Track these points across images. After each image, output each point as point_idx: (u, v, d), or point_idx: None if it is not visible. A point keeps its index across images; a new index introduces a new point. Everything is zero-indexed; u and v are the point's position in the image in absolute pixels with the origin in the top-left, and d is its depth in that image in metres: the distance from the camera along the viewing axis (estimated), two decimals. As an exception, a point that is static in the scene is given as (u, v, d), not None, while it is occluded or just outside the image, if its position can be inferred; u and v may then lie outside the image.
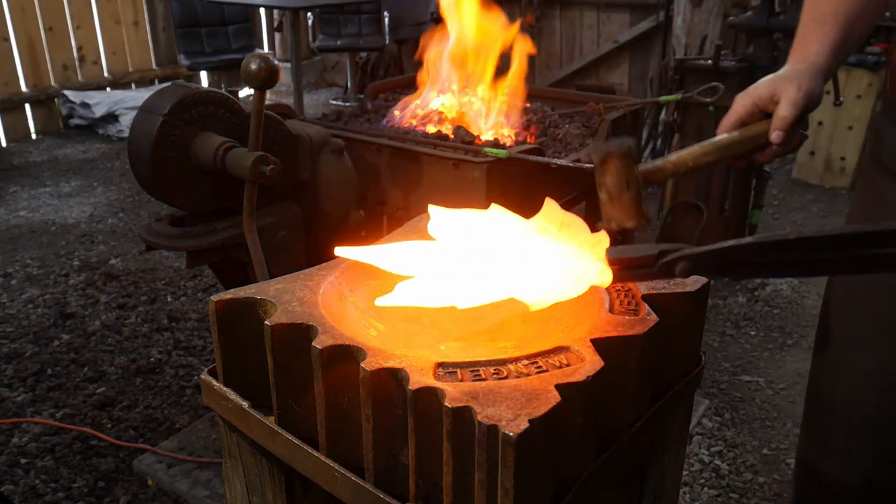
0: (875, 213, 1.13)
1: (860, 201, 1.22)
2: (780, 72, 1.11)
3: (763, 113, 1.10)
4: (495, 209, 0.89)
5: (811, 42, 1.11)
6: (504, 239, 0.86)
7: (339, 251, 0.88)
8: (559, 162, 1.89)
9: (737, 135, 1.12)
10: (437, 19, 2.34)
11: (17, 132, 5.53)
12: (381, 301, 0.80)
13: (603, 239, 0.79)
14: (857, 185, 1.27)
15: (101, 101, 5.62)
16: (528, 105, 2.53)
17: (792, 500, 1.36)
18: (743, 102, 1.11)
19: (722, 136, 1.12)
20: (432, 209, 0.91)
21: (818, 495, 1.28)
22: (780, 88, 1.07)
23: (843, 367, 1.19)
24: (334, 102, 6.37)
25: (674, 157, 1.12)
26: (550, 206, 0.86)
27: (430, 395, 0.69)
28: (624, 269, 0.79)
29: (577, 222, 0.83)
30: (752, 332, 2.98)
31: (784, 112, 1.06)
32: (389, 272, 0.86)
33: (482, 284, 0.81)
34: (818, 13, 1.11)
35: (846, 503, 1.23)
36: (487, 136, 2.17)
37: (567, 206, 2.48)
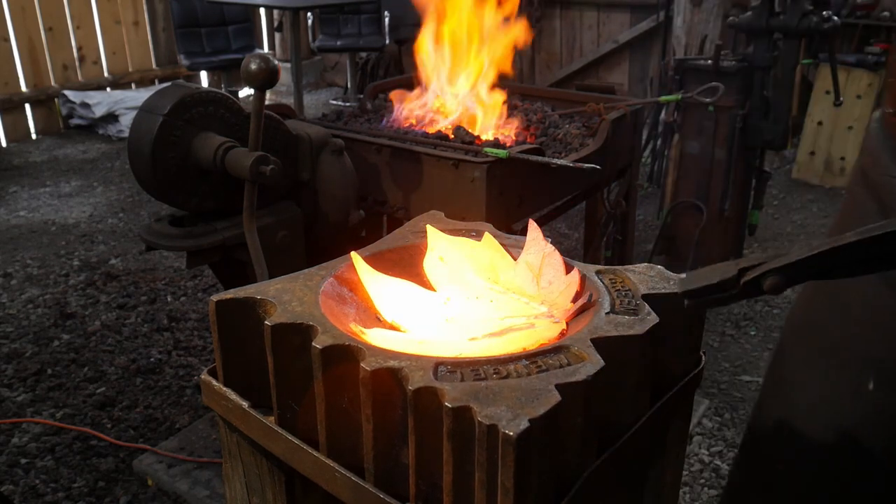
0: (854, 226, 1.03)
1: (843, 213, 1.11)
2: None
3: None
4: (488, 241, 0.95)
5: None
6: (486, 286, 0.93)
7: (357, 262, 0.93)
8: (559, 162, 1.89)
9: None
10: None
11: (17, 132, 5.53)
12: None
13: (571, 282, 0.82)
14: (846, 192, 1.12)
15: (101, 101, 5.62)
16: (528, 105, 2.53)
17: None
18: None
19: None
20: (431, 231, 0.96)
21: None
22: None
23: (790, 393, 1.11)
24: (334, 102, 6.37)
25: None
26: (533, 235, 0.91)
27: (430, 395, 0.69)
28: (701, 297, 0.74)
29: (554, 259, 0.88)
30: (752, 332, 2.98)
31: None
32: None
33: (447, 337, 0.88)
34: None
35: None
36: (487, 135, 2.17)
37: (567, 206, 2.49)
